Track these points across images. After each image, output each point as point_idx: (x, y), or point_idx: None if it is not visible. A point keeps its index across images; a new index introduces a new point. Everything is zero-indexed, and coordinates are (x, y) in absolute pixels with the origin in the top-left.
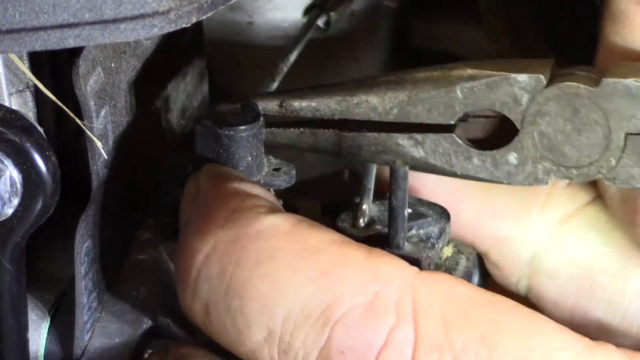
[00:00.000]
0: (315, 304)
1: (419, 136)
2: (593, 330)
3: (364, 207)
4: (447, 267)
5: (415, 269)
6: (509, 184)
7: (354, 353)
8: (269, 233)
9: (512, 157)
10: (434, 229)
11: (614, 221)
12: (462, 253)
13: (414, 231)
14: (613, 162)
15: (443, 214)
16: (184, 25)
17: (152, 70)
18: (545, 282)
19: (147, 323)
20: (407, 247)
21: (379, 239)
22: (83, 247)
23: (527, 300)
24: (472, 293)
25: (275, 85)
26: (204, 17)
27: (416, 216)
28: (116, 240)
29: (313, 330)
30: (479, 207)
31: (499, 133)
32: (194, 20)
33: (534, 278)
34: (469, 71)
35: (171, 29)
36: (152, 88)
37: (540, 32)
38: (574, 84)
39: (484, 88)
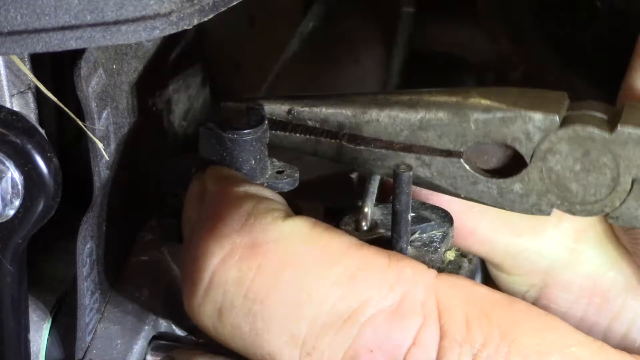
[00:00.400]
0: (343, 307)
1: (426, 158)
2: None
3: (366, 210)
4: (449, 271)
5: (434, 271)
6: (511, 210)
7: (383, 352)
8: (290, 238)
9: (518, 187)
10: (437, 233)
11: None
12: (464, 257)
13: (417, 235)
14: (618, 203)
15: (446, 217)
16: (185, 27)
17: (153, 72)
18: (556, 295)
19: (149, 324)
20: (410, 251)
21: (382, 243)
22: (85, 249)
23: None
24: (489, 293)
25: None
26: (206, 19)
27: (419, 220)
28: (118, 242)
29: (341, 332)
30: (495, 222)
31: (507, 163)
32: (195, 22)
33: (545, 290)
34: (484, 102)
35: (173, 31)
36: (153, 90)
37: (540, 33)
38: (589, 128)
39: (497, 122)
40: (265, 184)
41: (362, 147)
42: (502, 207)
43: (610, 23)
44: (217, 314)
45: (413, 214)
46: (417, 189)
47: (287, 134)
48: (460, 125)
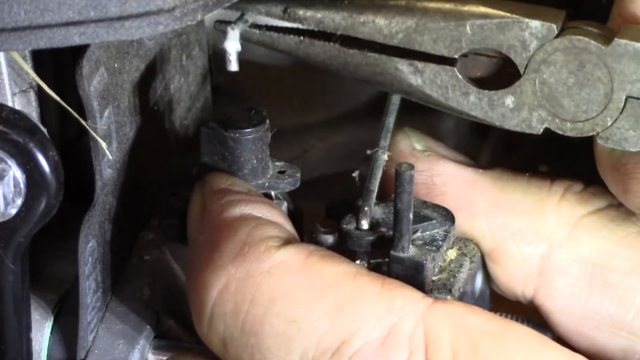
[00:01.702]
0: (331, 339)
1: (419, 64)
2: (605, 327)
3: (366, 209)
4: (451, 270)
5: (428, 300)
6: (500, 126)
7: None
8: (282, 269)
9: (509, 100)
10: (438, 232)
11: (629, 223)
12: (466, 255)
13: (418, 234)
14: (609, 122)
15: (447, 216)
16: (189, 23)
17: (155, 71)
18: (556, 280)
19: (150, 324)
20: (412, 249)
21: (384, 242)
22: (87, 247)
23: (533, 308)
24: (483, 322)
25: None
26: (209, 14)
27: (421, 219)
28: (120, 241)
29: None
30: (494, 199)
31: (499, 75)
32: (199, 17)
33: (544, 275)
34: (482, 9)
35: (176, 27)
36: (155, 89)
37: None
38: (585, 38)
39: (494, 28)
40: (267, 184)
41: (355, 51)
42: (492, 122)
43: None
44: (222, 344)
45: (414, 213)
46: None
47: (280, 35)
48: (456, 30)
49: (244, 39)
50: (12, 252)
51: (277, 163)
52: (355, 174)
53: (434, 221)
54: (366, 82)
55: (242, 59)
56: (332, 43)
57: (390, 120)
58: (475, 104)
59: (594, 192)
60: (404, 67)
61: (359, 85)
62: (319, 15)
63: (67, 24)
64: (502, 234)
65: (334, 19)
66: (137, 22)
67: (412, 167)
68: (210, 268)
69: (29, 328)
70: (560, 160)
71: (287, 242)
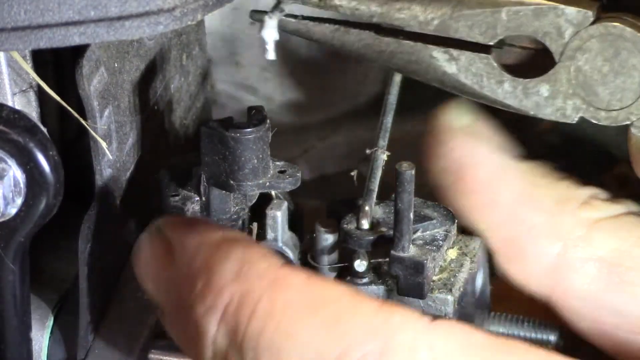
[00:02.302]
0: (327, 353)
1: (454, 52)
2: (624, 325)
3: (367, 209)
4: (451, 269)
5: (428, 317)
6: (535, 115)
7: None
8: (283, 285)
9: (544, 89)
10: (439, 232)
11: None
12: (466, 255)
13: (419, 233)
14: None
15: (448, 216)
16: (189, 23)
17: (155, 71)
18: (572, 278)
19: (150, 324)
20: (412, 249)
21: (384, 241)
22: (87, 247)
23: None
24: (486, 340)
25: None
26: (209, 14)
27: (421, 218)
28: (120, 240)
29: None
30: (519, 190)
31: (534, 64)
32: (199, 17)
33: (559, 273)
34: None
35: (176, 27)
36: (155, 88)
37: None
38: (621, 25)
39: (530, 14)
40: (268, 184)
41: (390, 39)
42: (527, 111)
43: None
44: None
45: (415, 212)
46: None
47: (316, 23)
48: (492, 16)
49: (281, 27)
50: (13, 251)
51: (278, 163)
52: (354, 173)
53: (434, 221)
54: (400, 71)
55: (242, 57)
56: (367, 31)
57: (388, 119)
58: (510, 92)
59: (616, 201)
60: (439, 54)
61: (359, 86)
62: (354, 2)
63: (67, 23)
64: (519, 227)
65: (369, 7)
66: (137, 22)
67: (412, 166)
68: (212, 290)
69: (29, 328)
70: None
71: (287, 263)
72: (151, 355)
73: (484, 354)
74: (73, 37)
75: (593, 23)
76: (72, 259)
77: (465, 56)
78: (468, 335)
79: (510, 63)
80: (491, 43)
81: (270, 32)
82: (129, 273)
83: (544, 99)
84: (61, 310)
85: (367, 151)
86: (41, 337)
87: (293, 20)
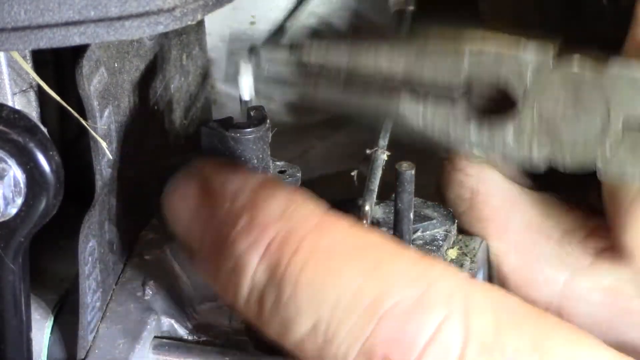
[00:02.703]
0: (365, 293)
1: (420, 101)
2: (629, 353)
3: (367, 209)
4: None
5: (467, 274)
6: (502, 158)
7: (398, 347)
8: (328, 227)
9: (509, 133)
10: (439, 232)
11: None
12: (466, 255)
13: (419, 233)
14: (608, 153)
15: (448, 216)
16: (189, 23)
17: (155, 71)
18: (577, 306)
19: (151, 324)
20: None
21: None
22: (87, 247)
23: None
24: (522, 303)
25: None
26: (209, 14)
27: (421, 218)
28: (120, 240)
29: (360, 320)
30: (530, 220)
31: (499, 108)
32: (199, 17)
33: (566, 301)
34: (479, 44)
35: (176, 27)
36: (155, 88)
37: (544, 32)
38: (580, 67)
39: (491, 60)
40: None
41: (357, 93)
42: (494, 155)
43: (616, 22)
44: (259, 301)
45: (415, 212)
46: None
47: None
48: (454, 63)
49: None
50: (13, 251)
51: (278, 163)
52: (354, 173)
53: (434, 221)
54: (371, 124)
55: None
56: (334, 85)
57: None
58: (476, 137)
59: None
60: (404, 104)
61: None
62: (321, 58)
63: (67, 23)
64: (528, 255)
65: (336, 62)
66: (137, 22)
67: (412, 166)
68: (257, 227)
69: (29, 328)
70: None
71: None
72: (151, 355)
73: (520, 313)
74: (73, 37)
75: (553, 66)
76: (72, 259)
77: (430, 104)
78: (502, 296)
79: (476, 108)
80: (455, 88)
81: (246, 79)
82: (129, 273)
83: (510, 140)
84: (61, 310)
85: (368, 151)
86: (41, 337)
87: (268, 68)
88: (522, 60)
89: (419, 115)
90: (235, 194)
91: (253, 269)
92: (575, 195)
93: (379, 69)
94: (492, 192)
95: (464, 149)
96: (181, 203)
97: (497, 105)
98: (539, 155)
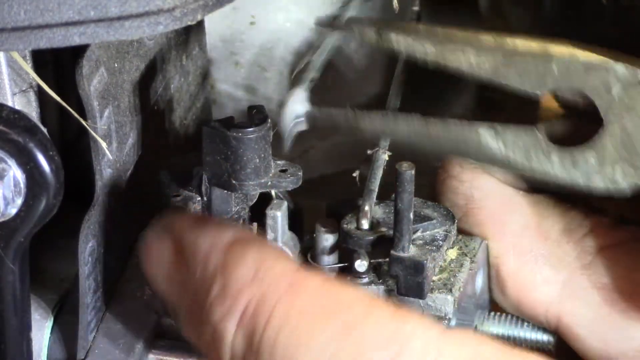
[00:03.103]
0: (341, 359)
1: (500, 127)
2: (631, 352)
3: (367, 209)
4: (451, 269)
5: (440, 327)
6: (587, 187)
7: None
8: (299, 290)
9: (591, 156)
10: (439, 232)
11: None
12: (466, 255)
13: (419, 233)
14: None
15: (448, 216)
16: (189, 23)
17: (155, 71)
18: (578, 306)
19: (151, 324)
20: (412, 249)
21: (384, 241)
22: (87, 247)
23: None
24: (497, 352)
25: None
26: (209, 14)
27: (421, 218)
28: (120, 240)
29: None
30: (527, 221)
31: (580, 132)
32: (199, 17)
33: (565, 301)
34: (569, 49)
35: (176, 27)
36: (155, 88)
37: (544, 31)
38: None
39: (580, 68)
40: (269, 183)
41: (437, 120)
42: (578, 183)
43: (616, 20)
44: None
45: (415, 213)
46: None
47: (365, 112)
48: (542, 67)
49: (321, 120)
50: (13, 251)
51: (279, 162)
52: (356, 173)
53: (434, 221)
54: (452, 153)
55: (241, 57)
56: (414, 115)
57: None
58: (558, 164)
59: (620, 228)
60: (484, 131)
61: (359, 86)
62: (409, 40)
63: (67, 23)
64: (526, 257)
65: (424, 46)
66: (137, 22)
67: (412, 166)
68: (226, 297)
69: (29, 328)
70: None
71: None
72: (151, 355)
73: None
74: (73, 37)
75: None
76: (72, 259)
77: (510, 130)
78: (479, 346)
79: (557, 134)
80: (539, 92)
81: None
82: (129, 273)
83: (593, 168)
84: (61, 310)
85: (369, 152)
86: (41, 337)
87: (337, 111)
88: (613, 73)
89: (499, 139)
90: (207, 256)
91: (231, 337)
92: (574, 194)
93: (466, 59)
94: (486, 197)
95: (546, 174)
96: (155, 265)
97: (580, 127)
98: (622, 176)
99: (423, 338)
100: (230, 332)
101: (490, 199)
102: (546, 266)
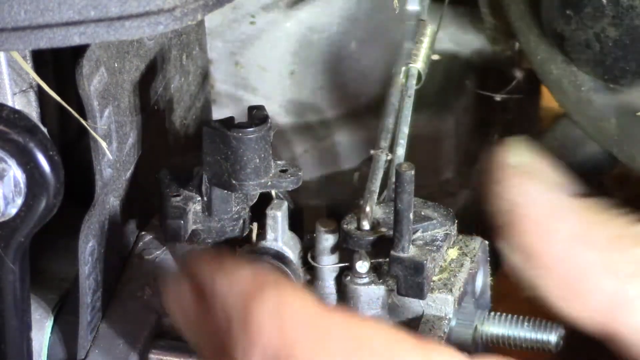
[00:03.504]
0: None
1: None
2: None
3: (367, 209)
4: (451, 269)
5: (464, 356)
6: None
7: None
8: (320, 330)
9: None
10: (439, 232)
11: None
12: (466, 255)
13: (419, 234)
14: None
15: (448, 216)
16: (189, 23)
17: (155, 71)
18: (627, 313)
19: (151, 324)
20: (412, 249)
21: (384, 242)
22: (87, 247)
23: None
24: None
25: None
26: (209, 14)
27: (421, 219)
28: (120, 241)
29: None
30: (572, 230)
31: None
32: (199, 17)
33: (615, 310)
34: None
35: (176, 27)
36: (155, 88)
37: (544, 30)
38: None
39: None
40: (269, 183)
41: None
42: None
43: (616, 19)
44: None
45: (415, 213)
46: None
47: None
48: None
49: None
50: (13, 251)
51: (279, 162)
52: (356, 174)
53: (434, 221)
54: None
55: (241, 57)
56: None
57: (390, 120)
58: None
59: None
60: None
61: (360, 86)
62: None
63: (67, 23)
64: (574, 265)
65: None
66: (137, 22)
67: (412, 167)
68: (247, 339)
69: (29, 328)
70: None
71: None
72: (151, 355)
73: None
74: (73, 37)
75: None
76: (72, 259)
77: None
78: None
79: None
80: None
81: None
82: (129, 273)
83: None
84: (61, 310)
85: (371, 152)
86: (41, 337)
87: None
88: None
89: None
90: (225, 299)
91: None
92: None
93: None
94: (532, 204)
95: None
96: (180, 310)
97: None
98: None
99: None
100: None
101: (537, 205)
102: (594, 274)
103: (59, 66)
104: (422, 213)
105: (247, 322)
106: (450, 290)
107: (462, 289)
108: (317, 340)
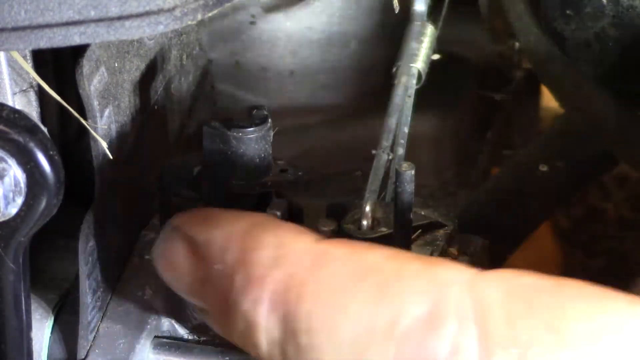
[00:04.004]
0: (378, 322)
1: None
2: None
3: (367, 209)
4: None
5: (473, 269)
6: None
7: None
8: (324, 261)
9: None
10: (439, 232)
11: None
12: (466, 255)
13: (419, 233)
14: None
15: (448, 216)
16: (189, 22)
17: (155, 71)
18: None
19: (151, 324)
20: (412, 250)
21: (384, 241)
22: (87, 247)
23: None
24: (535, 282)
25: None
26: (210, 14)
27: (421, 219)
28: (120, 241)
29: (380, 349)
30: None
31: None
32: (199, 17)
33: None
34: None
35: (177, 26)
36: (155, 88)
37: (544, 30)
38: None
39: None
40: (269, 183)
41: None
42: None
43: (616, 19)
44: (282, 353)
45: (415, 213)
46: None
47: None
48: None
49: None
50: (13, 251)
51: (279, 162)
52: (358, 173)
53: (434, 221)
54: None
55: (241, 57)
56: None
57: (392, 120)
58: None
59: None
60: None
61: (360, 85)
62: None
63: (68, 23)
64: None
65: None
66: (137, 22)
67: (412, 166)
68: (252, 284)
69: (29, 327)
70: (561, 160)
71: (318, 236)
72: (151, 355)
73: (531, 297)
74: (73, 37)
75: None
76: (72, 259)
77: None
78: (516, 281)
79: None
80: None
81: None
82: (129, 273)
83: None
84: (61, 310)
85: (373, 152)
86: (41, 337)
87: None
88: None
89: None
90: (223, 252)
91: (264, 324)
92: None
93: None
94: None
95: None
96: (174, 271)
97: None
98: None
99: (458, 283)
100: (263, 319)
101: None
102: None
103: (59, 66)
104: (422, 213)
105: (250, 273)
106: None
107: None
108: (324, 275)
